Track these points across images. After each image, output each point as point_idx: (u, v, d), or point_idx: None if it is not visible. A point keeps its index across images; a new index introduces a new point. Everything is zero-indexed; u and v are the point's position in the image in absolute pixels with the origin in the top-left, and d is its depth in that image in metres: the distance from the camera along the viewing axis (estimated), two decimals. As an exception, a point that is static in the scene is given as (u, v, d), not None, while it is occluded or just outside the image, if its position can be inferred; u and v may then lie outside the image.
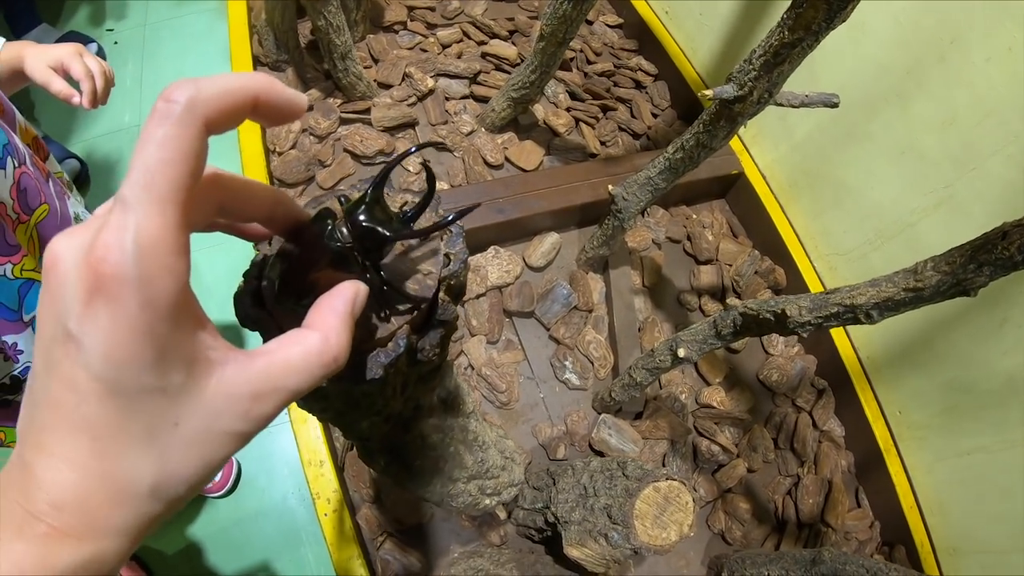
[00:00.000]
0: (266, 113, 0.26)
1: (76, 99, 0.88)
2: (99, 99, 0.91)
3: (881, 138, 1.24)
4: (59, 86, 0.86)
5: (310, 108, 1.48)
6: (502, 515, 1.12)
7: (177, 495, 0.26)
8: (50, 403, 0.24)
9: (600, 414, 1.23)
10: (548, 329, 1.29)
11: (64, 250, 0.24)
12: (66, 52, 0.89)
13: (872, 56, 1.20)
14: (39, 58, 0.88)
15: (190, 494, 0.26)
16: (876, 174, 1.27)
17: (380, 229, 0.32)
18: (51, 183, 0.86)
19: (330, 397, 0.34)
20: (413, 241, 0.39)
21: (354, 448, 1.13)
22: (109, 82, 0.92)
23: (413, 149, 0.35)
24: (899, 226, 1.25)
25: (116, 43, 2.12)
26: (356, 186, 0.42)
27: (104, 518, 0.24)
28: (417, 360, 0.40)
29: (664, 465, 1.23)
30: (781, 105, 0.92)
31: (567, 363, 1.26)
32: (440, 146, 0.42)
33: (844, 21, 0.77)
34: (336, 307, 0.29)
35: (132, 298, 0.22)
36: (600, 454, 1.19)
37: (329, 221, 0.32)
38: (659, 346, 1.02)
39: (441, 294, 0.39)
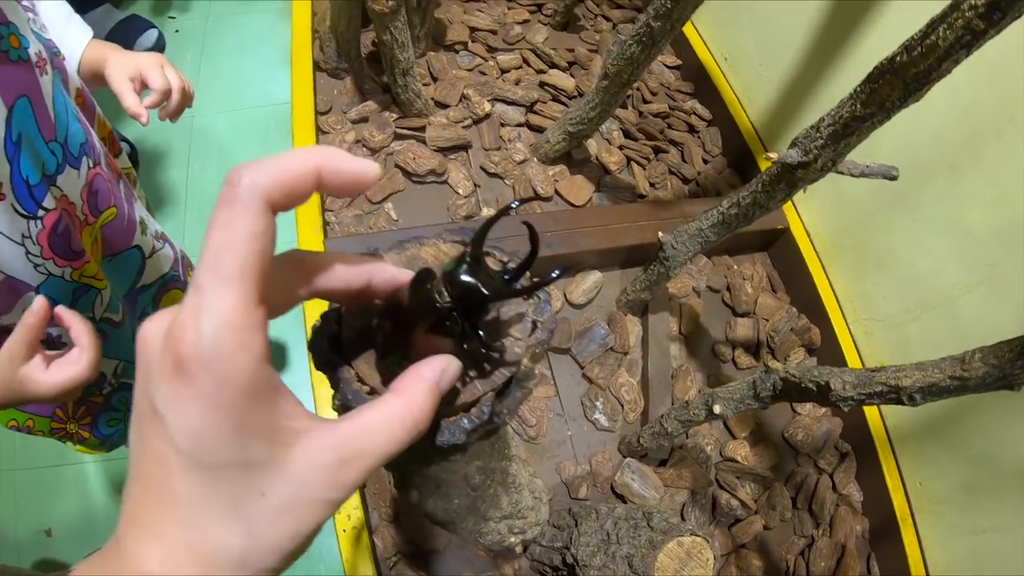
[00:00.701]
0: (332, 187, 0.27)
1: (144, 119, 0.87)
2: (172, 114, 0.90)
3: (930, 208, 1.24)
4: (130, 101, 0.86)
5: (365, 120, 1.49)
6: (518, 549, 1.12)
7: (269, 566, 0.26)
8: (141, 476, 0.25)
9: (625, 457, 1.23)
10: (582, 368, 1.30)
11: (151, 332, 0.26)
12: (147, 62, 0.88)
13: (929, 125, 1.20)
14: (120, 66, 0.87)
15: (284, 565, 0.26)
16: (921, 243, 1.27)
17: (481, 287, 0.31)
18: (122, 184, 0.87)
19: (403, 456, 0.34)
20: (502, 307, 0.39)
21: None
22: (188, 98, 0.92)
23: (514, 204, 0.35)
24: (939, 299, 1.24)
25: (177, 31, 2.15)
26: (443, 235, 0.42)
27: None
28: (493, 423, 0.40)
29: (683, 515, 1.22)
30: (841, 173, 0.92)
31: (598, 403, 1.26)
32: (534, 199, 0.42)
33: (918, 101, 0.77)
34: (424, 376, 0.30)
35: (208, 377, 0.23)
36: (621, 497, 1.19)
37: (430, 282, 0.32)
38: (695, 400, 1.02)
39: (525, 360, 0.39)
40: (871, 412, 1.37)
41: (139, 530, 0.25)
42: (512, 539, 0.86)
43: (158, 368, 0.24)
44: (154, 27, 2.07)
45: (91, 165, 0.76)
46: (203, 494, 0.24)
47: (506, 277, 0.33)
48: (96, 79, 0.88)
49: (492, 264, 0.41)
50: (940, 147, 1.19)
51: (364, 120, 1.50)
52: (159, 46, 2.07)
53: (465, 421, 0.37)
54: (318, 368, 0.36)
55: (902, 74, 0.73)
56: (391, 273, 0.33)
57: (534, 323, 0.40)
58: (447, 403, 0.35)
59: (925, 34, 0.68)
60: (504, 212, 0.34)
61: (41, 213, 0.68)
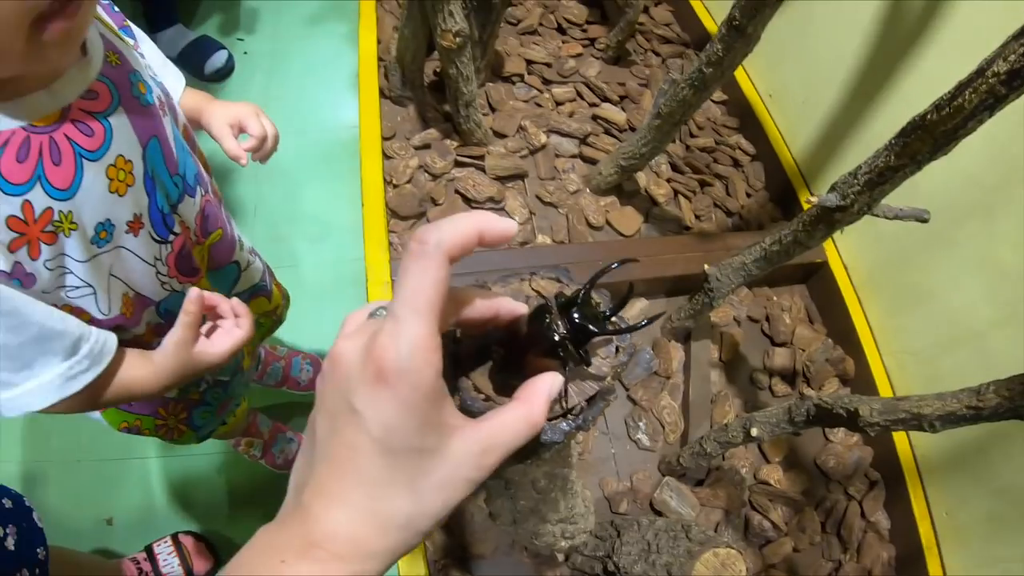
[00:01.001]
0: (488, 242, 0.36)
1: (243, 161, 0.96)
2: (264, 157, 1.00)
3: (963, 246, 1.29)
4: (231, 145, 0.95)
5: (427, 147, 1.58)
6: (560, 557, 1.19)
7: (424, 527, 0.34)
8: (330, 460, 0.34)
9: (664, 476, 1.29)
10: (628, 389, 1.37)
11: (347, 350, 0.34)
12: (245, 111, 0.96)
13: (963, 167, 1.24)
14: (218, 115, 0.95)
15: (433, 528, 0.35)
16: (954, 280, 1.31)
17: (591, 327, 0.40)
18: (223, 206, 0.95)
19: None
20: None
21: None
22: (276, 143, 1.01)
23: (615, 265, 0.45)
24: (970, 334, 1.29)
25: (245, 53, 2.26)
26: (539, 272, 0.52)
27: (370, 545, 0.33)
28: (581, 428, 0.50)
29: (717, 533, 1.28)
30: (876, 216, 0.99)
31: (641, 424, 1.33)
32: (633, 261, 0.48)
33: (946, 154, 0.84)
34: (540, 388, 0.38)
35: (404, 384, 0.31)
36: (659, 514, 1.26)
37: (547, 316, 0.41)
38: (733, 423, 1.09)
39: (608, 377, 0.49)
40: (901, 442, 1.42)
41: (327, 499, 0.34)
42: (563, 543, 0.94)
43: (358, 376, 0.32)
44: (224, 48, 2.19)
45: (203, 193, 0.85)
46: (387, 473, 0.33)
47: (606, 315, 0.42)
48: (192, 122, 0.96)
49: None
50: (974, 189, 1.24)
51: (427, 147, 1.59)
52: (228, 67, 2.19)
53: (564, 424, 0.46)
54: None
55: (932, 131, 0.80)
56: (513, 306, 0.42)
57: (617, 347, 0.49)
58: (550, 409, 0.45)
59: (953, 96, 0.76)
60: (607, 269, 0.44)
61: (171, 238, 0.77)
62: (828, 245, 1.61)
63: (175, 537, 1.41)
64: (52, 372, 0.65)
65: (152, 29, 2.18)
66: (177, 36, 2.20)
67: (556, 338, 0.40)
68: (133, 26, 0.83)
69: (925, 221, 0.97)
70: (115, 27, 0.76)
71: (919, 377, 1.42)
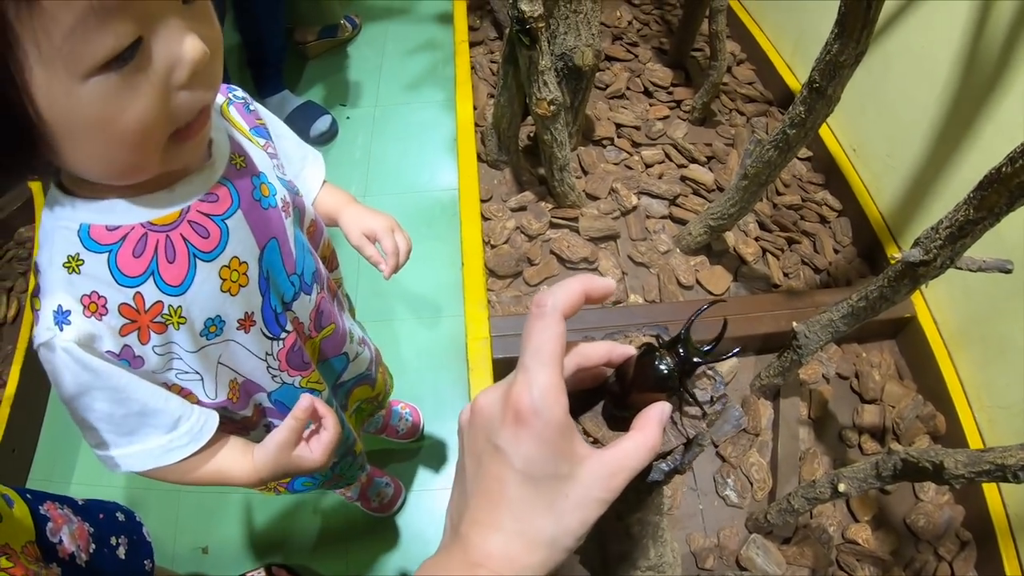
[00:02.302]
0: (593, 299, 0.45)
1: (383, 266, 0.98)
2: (397, 271, 1.01)
3: None
4: (371, 252, 0.97)
5: (523, 208, 1.67)
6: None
7: (567, 544, 0.40)
8: (480, 492, 0.41)
9: (751, 533, 1.32)
10: (716, 446, 1.41)
11: (488, 400, 0.42)
12: (381, 226, 0.98)
13: None
14: (356, 224, 0.97)
15: (575, 544, 0.41)
16: None
17: (695, 358, 0.46)
18: (336, 301, 0.97)
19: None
20: (696, 385, 0.54)
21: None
22: (408, 255, 1.02)
23: (704, 307, 0.51)
24: None
25: (348, 118, 2.41)
26: (642, 330, 0.59)
27: (522, 561, 0.40)
28: (678, 471, 0.56)
29: (803, 592, 1.30)
30: (960, 269, 1.01)
31: (729, 480, 1.37)
32: (721, 302, 0.52)
33: None
34: (653, 416, 0.45)
35: (538, 422, 0.38)
36: (745, 571, 1.28)
37: (655, 352, 0.47)
38: (821, 479, 1.12)
39: (704, 424, 0.55)
40: (993, 500, 1.40)
41: (480, 527, 0.41)
42: (650, 590, 0.99)
43: (499, 420, 0.40)
44: (327, 113, 2.33)
45: (319, 290, 0.87)
46: (530, 498, 0.40)
47: (704, 350, 0.48)
48: (328, 220, 0.98)
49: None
50: None
51: (523, 209, 1.68)
52: (332, 131, 2.33)
53: (664, 465, 0.52)
54: None
55: (1007, 183, 0.83)
56: (623, 349, 0.49)
57: (712, 397, 0.55)
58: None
59: None
60: (699, 312, 0.51)
61: (283, 335, 0.80)
62: (917, 299, 1.62)
63: (268, 568, 1.46)
64: (154, 442, 0.70)
65: (260, 95, 2.34)
66: (284, 102, 2.35)
67: (665, 370, 0.46)
68: (271, 122, 0.87)
69: (1009, 271, 0.98)
70: (247, 128, 0.80)
71: (1010, 432, 1.41)
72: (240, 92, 0.83)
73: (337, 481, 1.19)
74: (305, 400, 0.77)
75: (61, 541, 0.94)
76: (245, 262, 0.71)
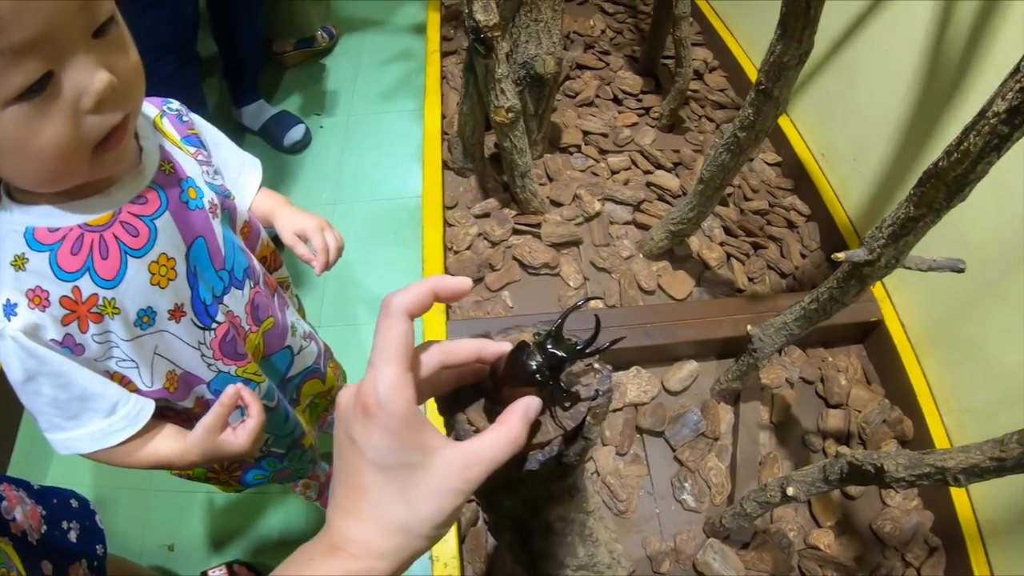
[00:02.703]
0: (444, 298, 0.47)
1: (314, 263, 1.03)
2: (328, 268, 1.06)
3: (1016, 297, 1.27)
4: (302, 250, 1.02)
5: (487, 215, 1.67)
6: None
7: (423, 532, 0.43)
8: (342, 481, 0.44)
9: (709, 537, 1.30)
10: (674, 450, 1.40)
11: (344, 396, 0.44)
12: (311, 226, 1.03)
13: (1015, 215, 1.24)
14: (288, 224, 1.02)
15: (434, 532, 0.43)
16: (1009, 333, 1.30)
17: (562, 353, 0.48)
18: (276, 296, 1.03)
19: (496, 477, 0.50)
20: (580, 379, 0.55)
21: (478, 523, 1.28)
22: (340, 253, 1.07)
23: (580, 302, 0.53)
24: None
25: (321, 127, 2.41)
26: (538, 325, 0.59)
27: (377, 547, 0.42)
28: (562, 462, 0.56)
29: (763, 599, 1.29)
30: (909, 268, 1.00)
31: (686, 485, 1.36)
32: (597, 299, 0.52)
33: (963, 200, 0.86)
34: (516, 409, 0.46)
35: (383, 414, 0.41)
36: (701, 575, 1.27)
37: (526, 350, 0.48)
38: (771, 482, 1.11)
39: (588, 417, 0.55)
40: (962, 506, 1.38)
41: (343, 513, 0.43)
42: (585, 591, 0.97)
43: (352, 413, 0.42)
44: (301, 122, 2.35)
45: (252, 285, 0.93)
46: (383, 486, 0.42)
47: (578, 348, 0.49)
48: (264, 222, 1.04)
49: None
50: None
51: (486, 215, 1.68)
52: (306, 140, 2.34)
53: (540, 455, 0.53)
54: (440, 414, 0.55)
55: (943, 177, 0.83)
56: (497, 347, 0.50)
57: (597, 391, 0.55)
58: (530, 438, 0.51)
59: (960, 141, 0.79)
60: (574, 308, 0.52)
61: (214, 326, 0.86)
62: (884, 303, 1.61)
63: (230, 566, 1.48)
64: (95, 426, 0.76)
65: (237, 104, 2.37)
66: (258, 111, 2.37)
67: (533, 365, 0.47)
68: (205, 132, 0.94)
69: (961, 271, 0.97)
70: (178, 138, 0.86)
71: (978, 435, 1.36)
72: (175, 104, 0.89)
73: (289, 475, 1.24)
74: (231, 388, 0.84)
75: (14, 519, 0.98)
76: (173, 258, 0.78)
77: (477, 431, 0.51)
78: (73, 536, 1.09)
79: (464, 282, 0.48)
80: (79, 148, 0.62)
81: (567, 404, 0.53)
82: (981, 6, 1.26)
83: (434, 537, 0.44)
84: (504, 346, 0.50)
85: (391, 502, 0.42)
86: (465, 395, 0.55)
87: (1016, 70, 0.70)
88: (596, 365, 0.56)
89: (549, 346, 0.48)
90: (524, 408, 0.46)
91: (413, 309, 0.45)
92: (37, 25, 0.54)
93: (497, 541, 0.81)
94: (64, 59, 0.57)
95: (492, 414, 0.51)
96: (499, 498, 0.66)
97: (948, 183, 0.83)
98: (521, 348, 0.49)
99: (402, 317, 0.44)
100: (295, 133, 2.33)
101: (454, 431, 0.53)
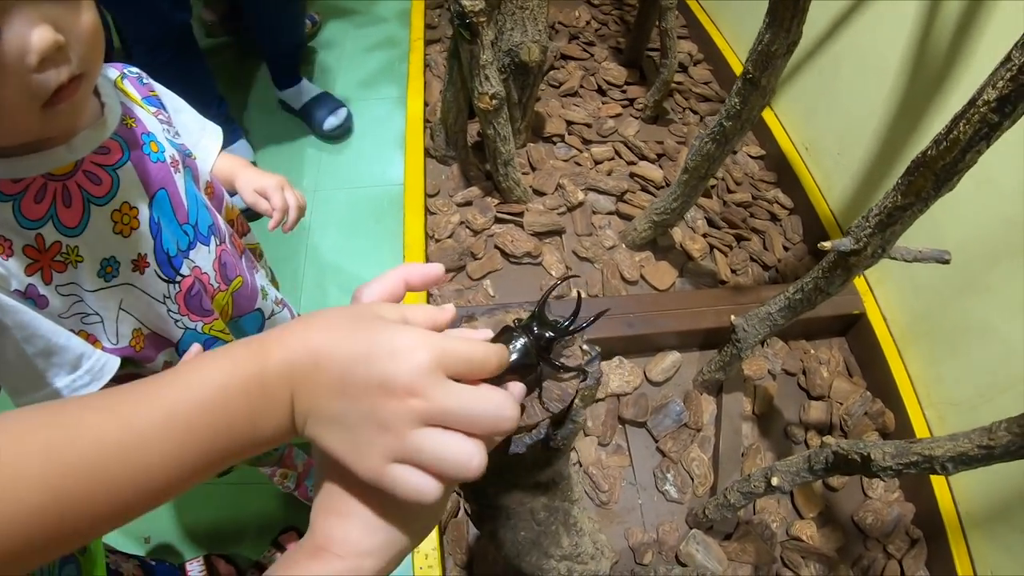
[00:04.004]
0: (415, 285, 0.47)
1: (272, 222, 1.07)
2: (288, 227, 1.09)
3: (999, 291, 1.27)
4: (264, 206, 1.05)
5: (469, 204, 1.65)
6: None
7: (409, 527, 0.42)
8: (322, 482, 0.43)
9: (691, 528, 1.30)
10: (657, 441, 1.39)
11: None
12: (270, 184, 1.06)
13: (998, 209, 1.25)
14: (248, 183, 1.06)
15: (419, 529, 0.43)
16: (991, 326, 1.30)
17: (549, 333, 0.48)
18: (244, 258, 1.05)
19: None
20: (568, 363, 0.54)
21: (459, 514, 1.27)
22: (301, 212, 1.10)
23: (558, 283, 0.55)
24: (1010, 380, 1.26)
25: (306, 112, 2.39)
26: (523, 306, 0.58)
27: (361, 544, 0.41)
28: (549, 446, 0.55)
29: (745, 588, 1.28)
30: (895, 259, 1.00)
31: (669, 476, 1.35)
32: (575, 277, 0.51)
33: (951, 190, 0.86)
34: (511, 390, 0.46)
35: None
36: (684, 567, 1.26)
37: (510, 333, 0.48)
38: (756, 472, 1.10)
39: (576, 401, 0.54)
40: (943, 498, 1.39)
41: (326, 513, 0.42)
42: (569, 581, 0.96)
43: None
44: (344, 106, 2.33)
45: (218, 243, 0.95)
46: (363, 482, 0.41)
47: (564, 325, 0.49)
48: (226, 185, 1.07)
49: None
50: (1010, 231, 1.24)
51: (468, 204, 1.66)
52: (346, 125, 2.32)
53: (527, 438, 0.53)
54: None
55: (932, 166, 0.82)
56: (480, 334, 0.49)
57: (585, 373, 0.54)
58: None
59: (949, 129, 0.78)
60: (554, 287, 0.53)
61: (178, 279, 0.87)
62: (867, 296, 1.61)
63: (207, 558, 1.47)
64: (60, 382, 0.75)
65: (277, 86, 2.36)
66: (298, 93, 2.35)
67: (521, 348, 0.47)
68: (166, 97, 0.95)
69: (946, 262, 0.97)
70: (139, 97, 0.87)
71: (959, 427, 1.33)
72: (134, 69, 0.91)
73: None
74: (194, 348, 0.87)
75: None
76: (136, 207, 0.79)
77: None
78: None
79: (435, 268, 0.47)
80: (25, 106, 0.61)
81: (564, 376, 0.52)
82: (967, 6, 1.27)
83: (420, 534, 0.43)
84: (485, 333, 0.48)
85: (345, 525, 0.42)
86: None
87: (1007, 59, 0.70)
88: (584, 346, 0.54)
89: (535, 327, 0.47)
90: (514, 388, 0.46)
91: (384, 298, 0.45)
92: None
93: (480, 531, 0.80)
94: (6, 15, 0.56)
95: None
96: (484, 484, 0.65)
97: (937, 172, 0.83)
98: (505, 332, 0.48)
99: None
100: (334, 118, 2.30)
101: None
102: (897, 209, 0.91)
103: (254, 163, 1.08)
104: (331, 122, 2.29)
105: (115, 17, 1.85)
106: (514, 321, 0.51)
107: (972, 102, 0.74)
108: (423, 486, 0.38)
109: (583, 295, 0.58)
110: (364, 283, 0.45)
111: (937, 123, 1.37)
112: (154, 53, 1.79)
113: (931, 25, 1.37)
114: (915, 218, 0.92)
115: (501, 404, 0.39)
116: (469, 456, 0.38)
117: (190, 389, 0.37)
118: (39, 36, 0.58)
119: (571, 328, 0.49)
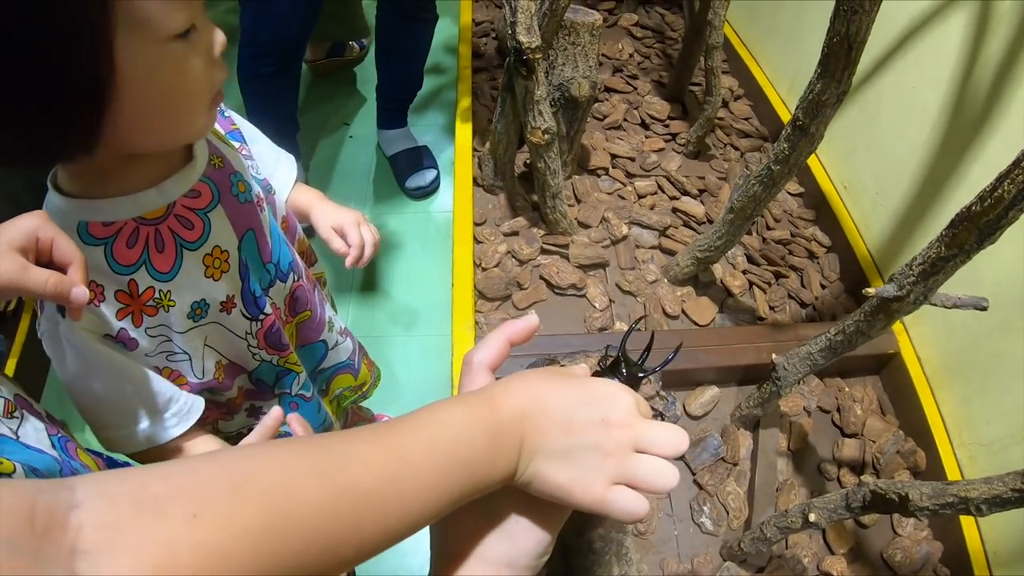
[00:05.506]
0: (518, 342, 0.52)
1: (349, 260, 1.06)
2: (363, 263, 1.10)
3: None
4: (337, 245, 1.06)
5: (515, 233, 1.71)
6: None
7: (526, 563, 0.47)
8: (437, 527, 0.47)
9: (725, 561, 1.33)
10: (694, 474, 1.43)
11: None
12: (348, 220, 1.07)
13: None
14: (325, 218, 1.07)
15: (536, 561, 0.48)
16: (1022, 369, 1.33)
17: (640, 373, 0.54)
18: (316, 290, 1.07)
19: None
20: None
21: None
22: (375, 248, 1.11)
23: (634, 326, 0.61)
24: None
25: (351, 137, 2.48)
26: (602, 350, 0.63)
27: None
28: None
29: (776, 621, 1.31)
30: (935, 305, 1.03)
31: (705, 508, 1.38)
32: (642, 319, 0.55)
33: (993, 243, 0.89)
34: None
35: None
36: (719, 598, 1.30)
37: (603, 376, 0.54)
38: (793, 508, 1.14)
39: None
40: (972, 536, 1.40)
41: (446, 558, 0.46)
42: (615, 610, 1.01)
43: None
44: (435, 168, 2.33)
45: (295, 279, 0.97)
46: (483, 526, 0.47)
47: (644, 365, 0.55)
48: (301, 216, 1.08)
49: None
50: None
51: (515, 234, 1.71)
52: (432, 187, 2.32)
53: None
54: None
55: (976, 221, 0.86)
56: (521, 324, 0.54)
57: (660, 414, 0.59)
58: None
59: (994, 187, 0.82)
60: (631, 330, 0.58)
61: (262, 317, 0.89)
62: (901, 336, 1.64)
63: None
64: (145, 423, 0.77)
65: (379, 124, 2.38)
66: (396, 139, 2.38)
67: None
68: (246, 128, 0.98)
69: (984, 309, 1.00)
70: (223, 133, 0.89)
71: (990, 468, 1.42)
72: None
73: None
74: (275, 410, 0.83)
75: None
76: (226, 251, 0.80)
77: None
78: None
79: (531, 320, 0.52)
80: (206, 96, 0.67)
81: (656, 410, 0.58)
82: (1010, 45, 1.30)
83: (536, 567, 0.47)
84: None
85: (493, 540, 0.46)
86: None
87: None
88: (661, 392, 0.60)
89: (623, 369, 0.53)
90: None
91: (493, 362, 0.49)
92: None
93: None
94: (200, 16, 0.63)
95: None
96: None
97: (980, 227, 0.86)
98: (598, 375, 0.53)
99: (484, 372, 0.48)
100: (421, 178, 2.30)
101: None
102: (940, 260, 0.94)
103: (305, 182, 1.11)
104: (414, 181, 2.30)
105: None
106: (599, 363, 0.56)
107: (1017, 163, 0.78)
108: (639, 502, 0.45)
109: (652, 332, 0.63)
110: (472, 349, 0.50)
111: (976, 167, 1.41)
112: (259, 61, 1.80)
113: (972, 66, 1.40)
114: (956, 268, 0.96)
115: (675, 433, 0.47)
116: (673, 472, 0.46)
117: (444, 425, 0.42)
118: (219, 35, 0.66)
119: (658, 367, 0.55)
